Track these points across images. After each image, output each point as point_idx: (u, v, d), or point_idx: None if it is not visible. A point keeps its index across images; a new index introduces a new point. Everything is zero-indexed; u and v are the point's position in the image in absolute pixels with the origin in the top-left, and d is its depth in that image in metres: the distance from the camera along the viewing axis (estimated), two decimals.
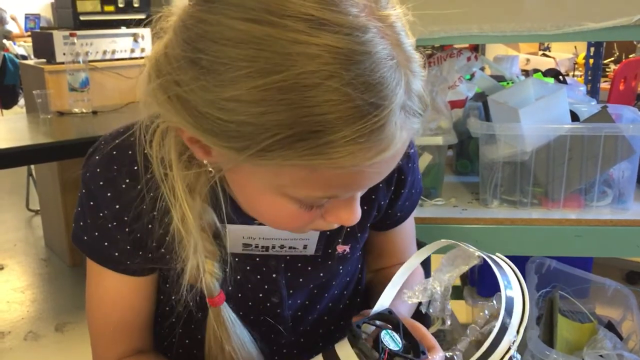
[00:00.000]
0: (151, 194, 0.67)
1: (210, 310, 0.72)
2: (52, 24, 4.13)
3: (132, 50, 3.05)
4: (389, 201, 0.81)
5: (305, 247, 0.76)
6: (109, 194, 0.69)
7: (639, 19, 1.21)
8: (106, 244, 0.71)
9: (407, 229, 0.90)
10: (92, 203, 0.70)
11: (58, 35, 2.83)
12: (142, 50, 3.07)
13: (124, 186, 0.69)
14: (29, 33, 5.62)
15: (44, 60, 2.98)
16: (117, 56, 3.02)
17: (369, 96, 0.48)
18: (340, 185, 0.55)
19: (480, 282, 1.97)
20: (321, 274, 0.80)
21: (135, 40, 3.03)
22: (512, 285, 0.69)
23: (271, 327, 0.81)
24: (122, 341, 0.77)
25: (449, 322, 1.72)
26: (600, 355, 1.45)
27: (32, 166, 3.70)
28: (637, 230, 1.37)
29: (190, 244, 0.66)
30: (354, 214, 0.61)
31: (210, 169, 0.62)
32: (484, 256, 0.68)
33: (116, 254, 0.72)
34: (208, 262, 0.68)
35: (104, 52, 2.98)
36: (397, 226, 0.87)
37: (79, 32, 2.84)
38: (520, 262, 1.68)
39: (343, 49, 0.47)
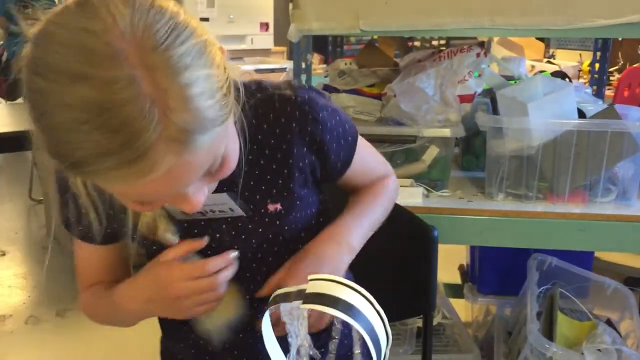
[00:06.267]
0: None
1: None
2: None
3: None
4: (322, 162, 0.89)
5: (231, 209, 0.85)
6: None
7: None
8: (71, 218, 0.85)
9: (360, 162, 0.96)
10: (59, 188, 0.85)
11: None
12: None
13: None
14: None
15: None
16: None
17: (118, 137, 0.56)
18: (141, 195, 0.64)
19: (480, 279, 1.99)
20: (260, 230, 0.88)
21: None
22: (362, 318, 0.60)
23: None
24: (92, 279, 0.94)
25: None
26: (599, 350, 1.47)
27: (36, 155, 3.71)
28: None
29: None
30: (191, 204, 0.67)
31: None
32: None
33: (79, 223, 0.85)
34: (160, 220, 0.81)
35: None
36: (347, 171, 0.95)
37: None
38: (523, 255, 1.72)
39: (95, 98, 0.55)
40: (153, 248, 0.86)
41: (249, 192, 0.85)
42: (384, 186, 1.02)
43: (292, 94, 0.84)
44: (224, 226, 0.87)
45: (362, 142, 0.96)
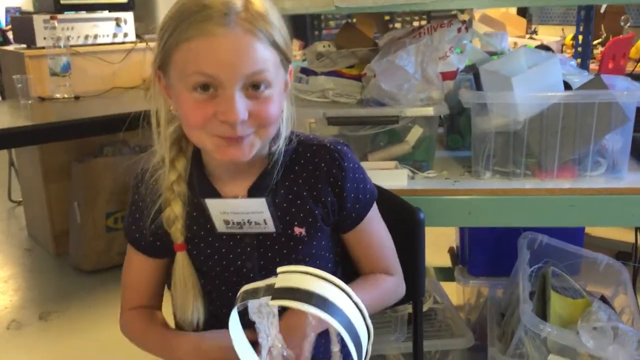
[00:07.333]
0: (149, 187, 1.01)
1: (177, 254, 1.02)
2: None
3: (115, 35, 2.98)
4: (339, 205, 1.03)
5: (265, 222, 0.97)
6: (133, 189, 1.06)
7: None
8: (131, 224, 1.05)
9: (373, 229, 1.08)
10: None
11: (38, 19, 2.76)
12: (125, 35, 3.00)
13: (136, 182, 1.05)
14: (10, 27, 5.47)
15: (24, 45, 2.91)
16: (99, 41, 2.95)
17: (214, 5, 0.86)
18: (209, 63, 0.85)
19: (471, 261, 1.95)
20: (285, 251, 1.01)
21: (118, 25, 2.97)
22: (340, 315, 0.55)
23: None
24: (135, 299, 1.09)
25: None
26: (594, 328, 1.43)
27: (14, 156, 3.62)
28: (632, 199, 1.35)
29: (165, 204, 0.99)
30: (234, 111, 0.86)
31: (170, 107, 0.95)
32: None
33: (133, 227, 1.04)
34: (178, 220, 0.98)
35: (86, 37, 2.91)
36: (357, 225, 1.06)
37: (59, 16, 2.78)
38: (513, 235, 1.67)
39: None
40: (157, 244, 1.02)
41: (281, 212, 0.99)
42: (385, 284, 1.09)
43: (328, 143, 1.03)
44: (255, 242, 1.01)
45: (380, 220, 1.09)
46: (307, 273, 0.54)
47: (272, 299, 0.54)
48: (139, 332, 1.07)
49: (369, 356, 0.56)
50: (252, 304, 0.56)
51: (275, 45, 0.89)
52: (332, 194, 1.02)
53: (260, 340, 0.59)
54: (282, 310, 0.57)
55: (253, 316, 0.57)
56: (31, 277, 2.91)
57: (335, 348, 0.57)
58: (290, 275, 0.54)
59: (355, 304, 0.54)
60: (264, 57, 0.87)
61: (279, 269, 0.56)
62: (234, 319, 0.59)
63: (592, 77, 1.44)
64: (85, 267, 2.82)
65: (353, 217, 1.05)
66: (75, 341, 2.30)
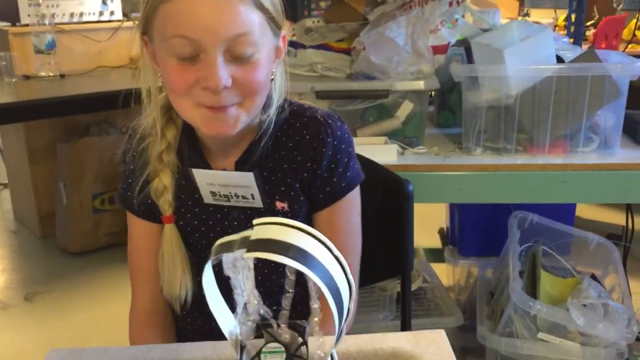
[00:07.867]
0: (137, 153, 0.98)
1: (165, 226, 0.99)
2: None
3: (101, 13, 2.92)
4: (312, 181, 0.96)
5: (252, 196, 0.94)
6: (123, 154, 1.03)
7: None
8: (125, 191, 1.01)
9: (338, 226, 0.99)
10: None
11: None
12: (112, 13, 2.94)
13: (125, 149, 1.02)
14: None
15: (8, 23, 2.85)
16: (85, 19, 2.89)
17: None
18: (190, 23, 0.81)
19: (461, 241, 1.93)
20: None
21: (104, 3, 2.91)
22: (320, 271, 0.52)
23: None
24: (144, 282, 1.03)
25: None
26: (584, 305, 1.42)
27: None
28: (624, 175, 1.33)
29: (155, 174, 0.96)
30: (215, 77, 0.82)
31: (160, 77, 0.90)
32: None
33: (128, 193, 1.00)
34: (167, 191, 0.96)
35: (71, 15, 2.85)
36: (324, 209, 0.98)
37: None
38: (504, 215, 1.65)
39: None
40: (150, 209, 0.99)
41: (266, 185, 0.95)
42: None
43: (320, 115, 0.97)
44: (242, 216, 0.98)
45: (355, 218, 1.00)
46: (284, 224, 0.51)
47: (247, 251, 0.51)
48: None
49: (350, 314, 0.53)
50: (227, 258, 0.53)
51: (260, 6, 0.83)
52: (309, 168, 0.96)
53: (235, 296, 0.56)
54: (258, 263, 0.54)
55: (228, 271, 0.54)
56: (17, 259, 2.87)
57: (315, 304, 0.54)
58: (266, 227, 0.51)
59: (336, 257, 0.51)
60: (248, 19, 0.82)
61: (254, 221, 0.53)
62: (208, 274, 0.57)
63: (585, 51, 1.41)
64: (71, 249, 2.78)
65: (320, 199, 0.98)
66: (61, 322, 2.27)
